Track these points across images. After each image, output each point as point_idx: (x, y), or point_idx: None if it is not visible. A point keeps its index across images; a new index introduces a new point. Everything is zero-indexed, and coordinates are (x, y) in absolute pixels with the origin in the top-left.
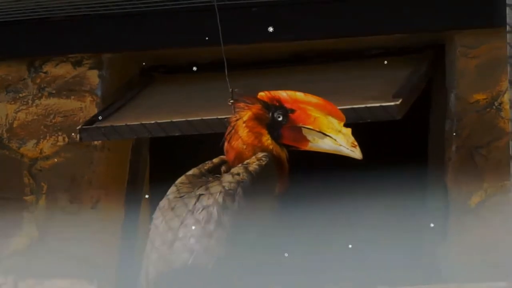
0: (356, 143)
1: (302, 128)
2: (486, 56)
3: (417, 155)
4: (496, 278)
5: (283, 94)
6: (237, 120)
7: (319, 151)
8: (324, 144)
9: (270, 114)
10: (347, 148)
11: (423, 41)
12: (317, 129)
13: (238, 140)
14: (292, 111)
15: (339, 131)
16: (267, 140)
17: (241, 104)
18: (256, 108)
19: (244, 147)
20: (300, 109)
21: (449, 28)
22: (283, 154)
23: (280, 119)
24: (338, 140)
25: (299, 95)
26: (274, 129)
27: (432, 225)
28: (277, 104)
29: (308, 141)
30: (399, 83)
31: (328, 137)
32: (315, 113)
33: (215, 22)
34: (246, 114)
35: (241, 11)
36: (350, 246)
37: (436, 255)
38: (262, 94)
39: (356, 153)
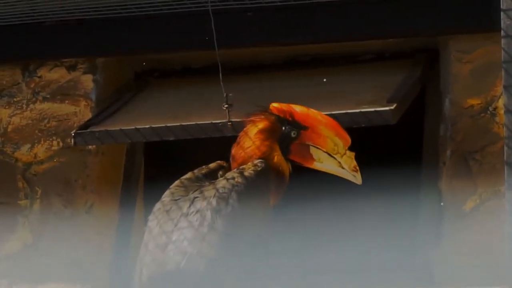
0: (357, 168)
1: (310, 147)
2: (481, 61)
3: (412, 160)
4: (490, 283)
5: (296, 109)
6: (249, 129)
7: (321, 171)
8: (328, 165)
9: (283, 128)
10: (349, 172)
11: (417, 46)
12: (324, 150)
13: (247, 149)
14: (305, 128)
15: (344, 154)
16: (278, 155)
17: (254, 116)
18: (270, 120)
19: (253, 157)
20: (312, 127)
21: (443, 33)
22: (287, 169)
23: (294, 135)
24: (342, 163)
25: (312, 112)
26: (284, 143)
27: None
28: (290, 118)
29: (314, 160)
30: (394, 88)
31: (332, 159)
32: (324, 133)
33: (210, 27)
34: (259, 125)
35: (236, 16)
36: (344, 249)
37: (430, 259)
38: (274, 106)
39: (357, 178)
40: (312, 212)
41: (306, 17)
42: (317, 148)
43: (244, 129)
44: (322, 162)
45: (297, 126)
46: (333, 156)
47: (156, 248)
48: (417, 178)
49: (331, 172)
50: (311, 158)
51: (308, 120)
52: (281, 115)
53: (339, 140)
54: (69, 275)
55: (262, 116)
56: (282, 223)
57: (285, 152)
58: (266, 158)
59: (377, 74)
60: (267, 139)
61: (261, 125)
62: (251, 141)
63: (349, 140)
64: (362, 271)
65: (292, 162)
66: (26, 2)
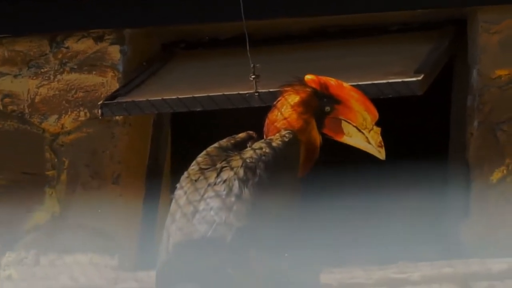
0: (382, 144)
1: (342, 121)
2: (509, 31)
3: (439, 131)
4: None
5: (331, 82)
6: (284, 101)
7: (348, 145)
8: (356, 140)
9: (319, 102)
10: (375, 147)
11: (444, 17)
12: (354, 124)
13: (283, 121)
14: (339, 102)
15: (371, 129)
16: (313, 128)
17: (289, 86)
18: (306, 93)
19: (288, 129)
20: (345, 101)
21: (471, 4)
22: (319, 143)
23: (328, 110)
24: (369, 138)
25: (346, 86)
26: (319, 118)
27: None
28: (326, 92)
29: (343, 134)
30: (421, 59)
31: (361, 134)
32: (355, 107)
33: None
34: (295, 97)
35: None
36: (371, 222)
37: (458, 231)
38: (309, 78)
39: (382, 154)
40: (337, 185)
41: None
42: (348, 122)
43: (279, 100)
44: (351, 137)
45: (332, 100)
46: (362, 131)
47: (183, 217)
48: (444, 149)
49: (358, 147)
50: (341, 132)
51: (342, 94)
52: (318, 88)
53: (367, 115)
54: (97, 245)
55: (298, 88)
56: (308, 196)
57: (319, 126)
58: (301, 131)
59: (404, 45)
60: (304, 113)
61: (298, 97)
62: (287, 113)
63: (377, 115)
64: (389, 244)
65: (323, 135)
66: None
